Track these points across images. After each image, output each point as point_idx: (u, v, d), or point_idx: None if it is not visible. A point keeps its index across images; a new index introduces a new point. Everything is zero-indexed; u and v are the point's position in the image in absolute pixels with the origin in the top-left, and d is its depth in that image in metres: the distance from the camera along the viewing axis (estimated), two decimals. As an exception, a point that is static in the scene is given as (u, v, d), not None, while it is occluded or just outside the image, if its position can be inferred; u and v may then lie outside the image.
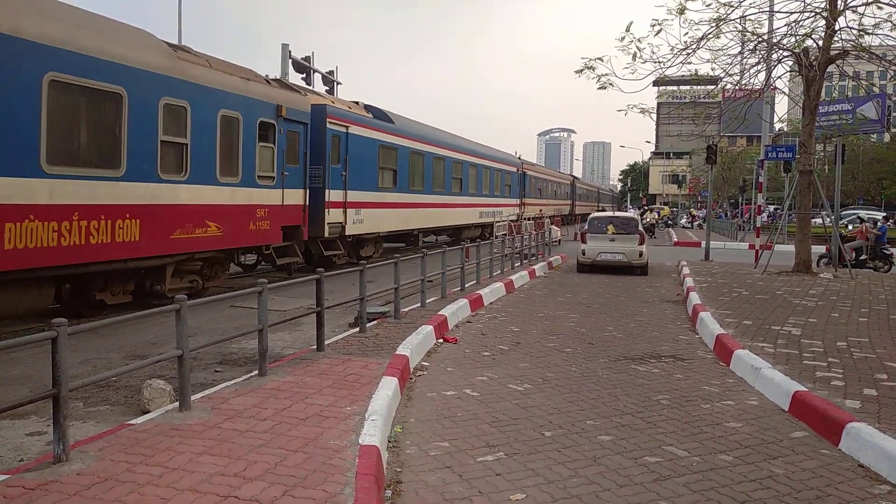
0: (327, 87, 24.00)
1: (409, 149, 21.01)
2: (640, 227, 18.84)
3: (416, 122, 23.32)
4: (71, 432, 4.61)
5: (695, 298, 12.04)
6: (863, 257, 20.45)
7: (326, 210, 15.96)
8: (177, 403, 5.62)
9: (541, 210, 41.08)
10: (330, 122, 16.19)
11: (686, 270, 16.98)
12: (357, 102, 19.43)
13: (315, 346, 7.87)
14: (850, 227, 20.81)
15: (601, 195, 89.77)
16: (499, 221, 29.95)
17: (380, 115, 19.79)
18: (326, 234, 16.02)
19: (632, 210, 54.28)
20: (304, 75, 22.73)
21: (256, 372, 6.71)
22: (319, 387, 6.28)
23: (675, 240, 36.25)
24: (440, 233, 27.46)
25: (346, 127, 16.91)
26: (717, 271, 17.70)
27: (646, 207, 55.44)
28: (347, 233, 17.02)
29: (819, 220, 21.39)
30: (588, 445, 5.27)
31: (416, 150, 21.73)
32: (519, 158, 40.06)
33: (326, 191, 15.93)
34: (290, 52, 22.11)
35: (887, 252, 20.81)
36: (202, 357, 8.10)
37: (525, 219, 34.60)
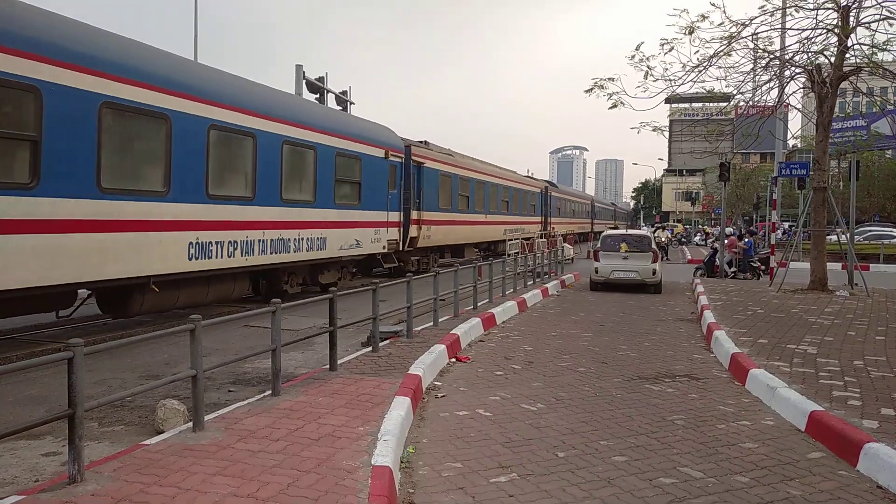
0: (341, 107, 24.18)
1: None
2: (654, 245, 18.79)
3: None
4: (86, 452, 4.64)
5: (709, 317, 11.96)
6: (732, 269, 22.41)
7: None
8: (191, 423, 5.63)
9: (464, 231, 25.36)
10: None
11: (700, 288, 16.88)
12: None
13: (328, 366, 7.88)
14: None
15: (598, 210, 69.46)
16: (333, 257, 15.68)
17: None
18: None
19: (645, 228, 53.69)
20: (317, 95, 22.93)
21: (269, 392, 6.73)
22: (332, 407, 6.29)
23: (689, 257, 36.05)
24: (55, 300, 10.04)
25: None
26: (732, 289, 17.57)
27: (657, 225, 54.73)
28: None
29: (834, 237, 21.31)
30: (602, 466, 5.23)
31: None
32: (423, 143, 23.22)
33: None
34: (303, 72, 22.34)
35: (754, 264, 22.75)
36: (216, 377, 8.13)
37: (419, 247, 20.97)
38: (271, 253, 13.26)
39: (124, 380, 8.13)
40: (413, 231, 20.44)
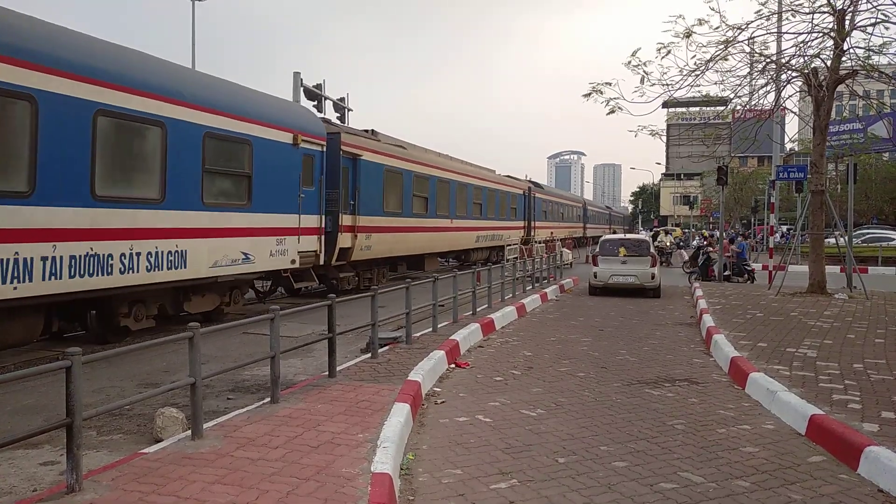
0: (338, 114, 24.19)
1: None
2: (652, 249, 18.80)
3: None
4: (84, 461, 4.62)
5: (708, 321, 11.95)
6: (726, 273, 22.67)
7: None
8: (189, 432, 5.62)
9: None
10: None
11: (699, 292, 16.88)
12: None
13: (327, 373, 7.86)
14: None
15: (592, 214, 65.41)
16: (203, 277, 11.56)
17: None
18: None
19: (643, 232, 53.31)
20: (315, 102, 22.95)
21: (268, 399, 6.71)
22: (331, 414, 6.27)
23: (687, 260, 36.03)
24: None
25: None
26: (731, 293, 17.58)
27: (657, 228, 54.38)
28: None
29: (832, 240, 21.35)
30: (603, 472, 5.22)
31: None
32: (368, 132, 19.68)
33: None
34: (301, 79, 22.37)
35: (748, 268, 23.07)
36: (214, 384, 8.11)
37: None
38: (76, 276, 8.92)
39: (123, 388, 8.10)
40: (345, 240, 16.38)
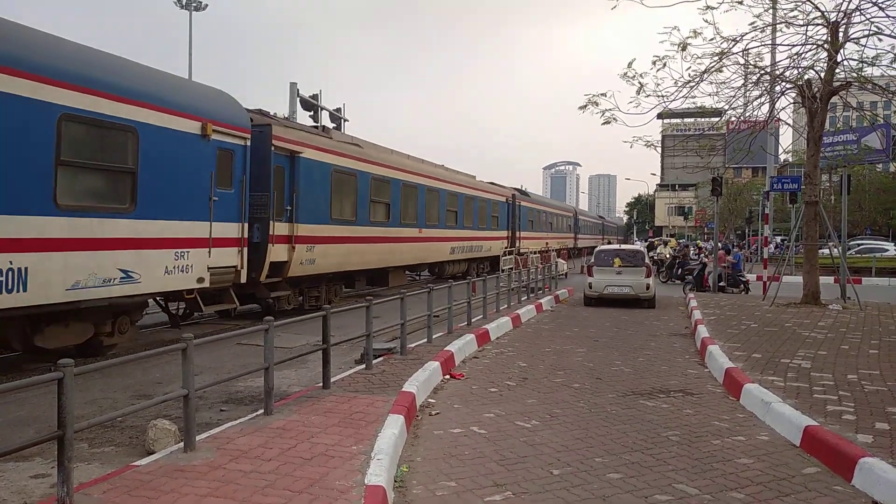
0: (335, 125, 24.22)
1: None
2: (647, 260, 18.84)
3: None
4: (75, 474, 4.59)
5: (703, 331, 11.96)
6: (721, 283, 22.67)
7: None
8: (182, 444, 5.58)
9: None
10: None
11: (694, 303, 16.91)
12: None
13: (321, 384, 7.84)
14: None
15: (583, 224, 62.11)
16: (57, 302, 8.60)
17: None
18: None
19: (638, 243, 53.27)
20: (311, 112, 22.99)
21: (262, 411, 6.68)
22: (325, 425, 6.24)
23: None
24: None
25: None
26: (725, 303, 17.61)
27: (651, 239, 54.18)
28: None
29: (826, 251, 21.40)
30: (597, 484, 5.20)
31: None
32: (318, 129, 18.15)
33: None
34: (297, 90, 22.40)
35: (743, 278, 23.21)
36: (208, 396, 8.07)
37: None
38: None
39: (115, 400, 8.06)
40: (279, 253, 13.85)
